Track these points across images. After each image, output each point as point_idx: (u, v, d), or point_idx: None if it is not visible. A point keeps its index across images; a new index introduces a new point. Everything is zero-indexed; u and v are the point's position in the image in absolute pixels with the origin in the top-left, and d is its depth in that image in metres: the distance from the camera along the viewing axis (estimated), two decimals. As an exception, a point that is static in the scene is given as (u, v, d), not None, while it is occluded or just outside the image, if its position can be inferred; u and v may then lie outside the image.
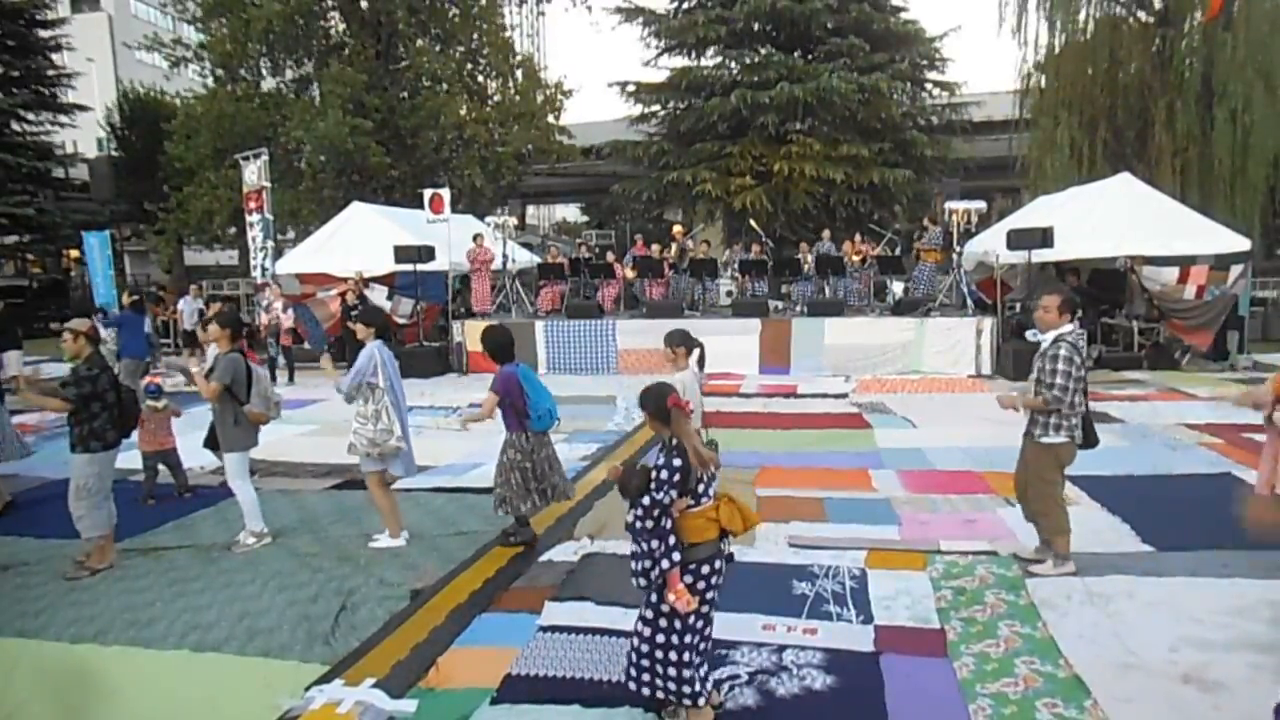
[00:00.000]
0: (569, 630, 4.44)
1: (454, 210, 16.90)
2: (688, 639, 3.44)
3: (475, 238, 16.40)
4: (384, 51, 25.56)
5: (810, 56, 24.70)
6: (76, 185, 30.33)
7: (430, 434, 9.77)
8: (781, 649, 4.16)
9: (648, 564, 3.39)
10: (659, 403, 3.49)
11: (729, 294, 16.52)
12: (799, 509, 6.46)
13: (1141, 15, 21.20)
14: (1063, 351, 4.80)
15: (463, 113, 25.67)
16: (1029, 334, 5.31)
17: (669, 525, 3.38)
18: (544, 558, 5.59)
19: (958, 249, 15.00)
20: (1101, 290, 14.84)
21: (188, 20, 25.13)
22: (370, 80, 23.93)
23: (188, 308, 18.22)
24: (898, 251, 16.98)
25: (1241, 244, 13.13)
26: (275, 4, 23.01)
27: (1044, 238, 12.57)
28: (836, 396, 11.65)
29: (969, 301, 14.66)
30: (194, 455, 8.39)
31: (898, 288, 16.31)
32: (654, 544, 3.37)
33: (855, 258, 16.39)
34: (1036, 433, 5.01)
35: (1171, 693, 3.71)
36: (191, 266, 33.72)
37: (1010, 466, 7.16)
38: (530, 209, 44.76)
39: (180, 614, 4.79)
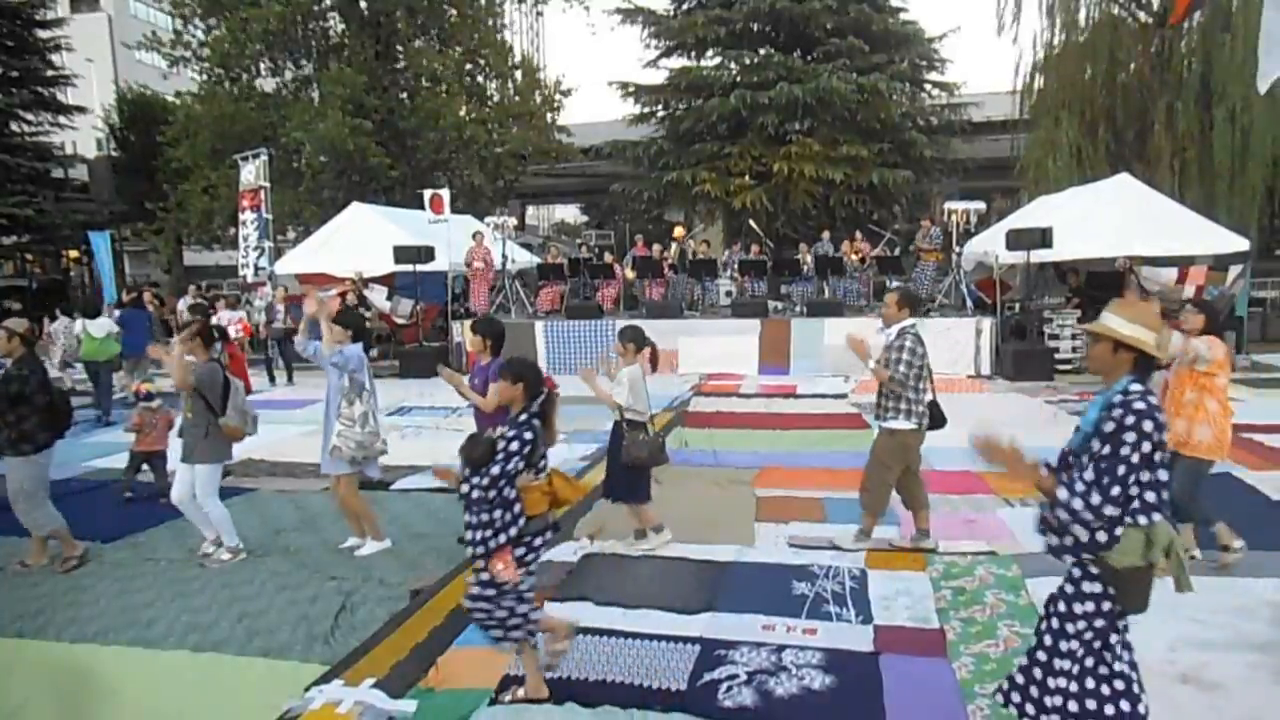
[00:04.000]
0: (569, 630, 4.43)
1: (454, 211, 16.92)
2: (509, 602, 3.56)
3: (475, 235, 16.39)
4: (383, 52, 25.56)
5: (810, 57, 24.72)
6: (76, 186, 30.30)
7: (430, 434, 9.79)
8: (781, 649, 4.16)
9: (487, 534, 3.43)
10: (538, 380, 3.64)
11: (728, 294, 16.53)
12: (799, 509, 6.47)
13: (1141, 16, 21.21)
14: (907, 343, 5.25)
15: (462, 113, 25.68)
16: (877, 330, 5.67)
17: (513, 495, 3.46)
18: (544, 558, 5.58)
19: (957, 249, 15.01)
20: (1100, 290, 14.83)
21: (183, 16, 25.01)
22: (370, 81, 23.93)
23: (189, 307, 18.24)
24: (897, 251, 16.99)
25: (1240, 244, 13.15)
26: (275, 4, 23.01)
27: (1043, 238, 12.59)
28: (836, 397, 11.66)
29: (968, 302, 14.67)
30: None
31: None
32: (497, 514, 3.44)
33: (854, 258, 16.40)
34: (887, 417, 5.37)
35: (1170, 693, 3.70)
36: (190, 266, 33.73)
37: (1010, 466, 7.15)
38: (530, 209, 44.75)
39: (180, 614, 4.80)
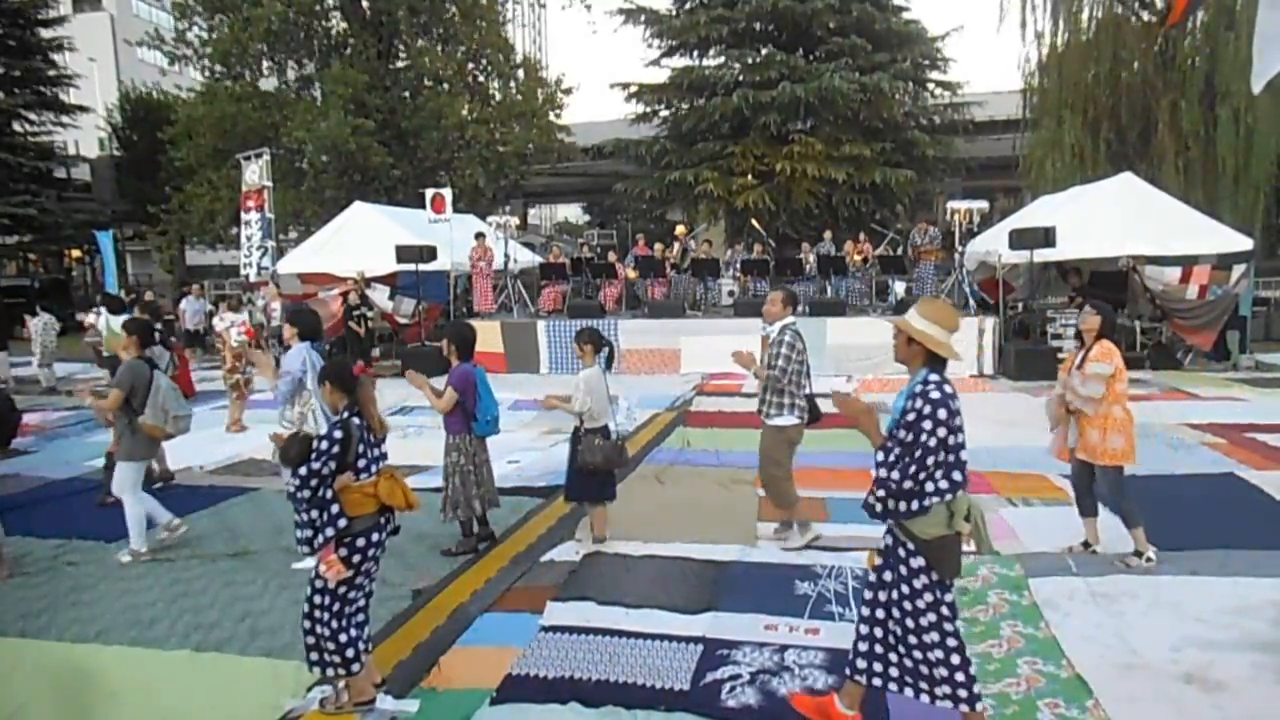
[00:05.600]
0: (571, 630, 4.44)
1: (455, 210, 16.90)
2: (338, 607, 3.56)
3: (478, 236, 16.38)
4: (385, 51, 25.56)
5: (812, 56, 24.73)
6: (78, 185, 30.36)
7: (430, 434, 9.77)
8: (784, 649, 4.16)
9: (309, 533, 3.49)
10: (344, 376, 3.66)
11: (730, 294, 16.51)
12: (801, 509, 6.44)
13: (1144, 15, 21.17)
14: (786, 338, 5.46)
15: (464, 113, 25.67)
16: (762, 328, 5.79)
17: (329, 495, 3.47)
18: (546, 557, 5.59)
19: (960, 249, 14.98)
20: (1104, 290, 14.81)
21: (185, 15, 25.00)
22: (372, 80, 23.93)
23: (190, 308, 18.27)
24: (899, 251, 16.97)
25: (1244, 244, 13.11)
26: (276, 3, 23.00)
27: (1046, 237, 12.55)
28: (838, 396, 11.61)
29: (971, 301, 14.63)
30: (190, 455, 8.42)
31: (899, 287, 16.29)
32: (314, 514, 3.47)
33: (857, 257, 16.38)
34: (771, 413, 5.53)
35: (1174, 693, 3.70)
36: (193, 266, 33.73)
37: (1012, 467, 7.13)
38: (532, 209, 44.73)
39: (182, 614, 4.80)
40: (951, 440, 3.03)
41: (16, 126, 28.33)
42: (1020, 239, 12.93)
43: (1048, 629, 4.32)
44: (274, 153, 19.84)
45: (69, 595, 5.13)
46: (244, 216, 18.06)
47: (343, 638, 3.57)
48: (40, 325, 14.04)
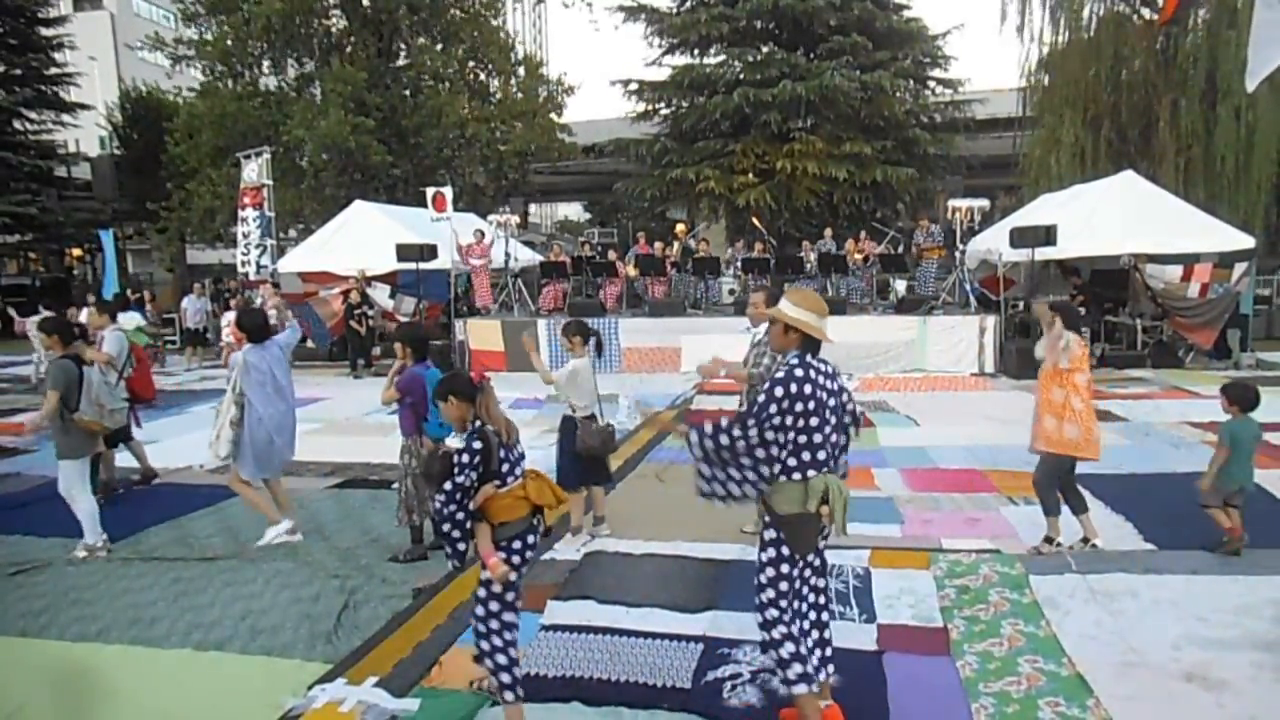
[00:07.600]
0: (571, 629, 4.44)
1: (456, 209, 16.89)
2: (493, 606, 3.46)
3: (475, 233, 16.36)
4: (385, 50, 25.55)
5: (813, 54, 24.70)
6: (79, 184, 30.34)
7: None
8: (784, 648, 4.15)
9: (461, 546, 3.45)
10: (464, 385, 3.51)
11: (731, 292, 16.50)
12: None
13: (1145, 12, 21.14)
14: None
15: (465, 111, 25.65)
16: (745, 329, 5.82)
17: (471, 507, 3.40)
18: (546, 556, 5.58)
19: (961, 247, 14.97)
20: (1105, 288, 14.82)
21: (185, 14, 25.00)
22: (372, 79, 23.91)
23: (191, 306, 18.28)
24: (900, 250, 16.96)
25: (1245, 242, 13.10)
26: (276, 2, 22.99)
27: (1047, 236, 12.54)
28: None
29: (972, 300, 14.63)
30: (190, 454, 8.41)
31: (900, 286, 16.28)
32: (457, 531, 3.41)
33: (858, 256, 16.37)
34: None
35: (1174, 691, 3.70)
36: (194, 265, 33.73)
37: (1012, 465, 7.16)
38: (533, 207, 44.71)
39: (182, 613, 4.79)
40: (804, 422, 3.16)
41: (17, 125, 28.31)
42: (1021, 237, 12.91)
43: (1048, 627, 4.32)
44: (274, 151, 19.85)
45: (69, 595, 5.12)
46: (241, 214, 18.07)
47: (497, 640, 3.45)
48: (33, 324, 14.07)
